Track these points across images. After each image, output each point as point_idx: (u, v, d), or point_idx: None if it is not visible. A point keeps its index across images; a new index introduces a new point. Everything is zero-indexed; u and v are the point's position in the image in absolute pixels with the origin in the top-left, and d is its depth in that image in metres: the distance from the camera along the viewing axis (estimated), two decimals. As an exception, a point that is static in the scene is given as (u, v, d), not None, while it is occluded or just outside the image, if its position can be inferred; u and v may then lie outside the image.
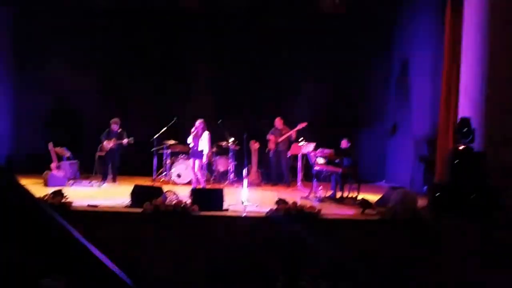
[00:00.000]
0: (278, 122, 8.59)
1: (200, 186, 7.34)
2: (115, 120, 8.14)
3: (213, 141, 8.78)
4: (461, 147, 6.04)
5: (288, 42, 9.33)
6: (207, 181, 8.58)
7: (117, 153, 8.20)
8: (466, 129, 6.05)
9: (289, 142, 8.40)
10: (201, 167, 7.60)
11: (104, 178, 8.11)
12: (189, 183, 8.19)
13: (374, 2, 8.98)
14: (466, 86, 6.59)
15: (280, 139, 8.52)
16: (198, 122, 7.52)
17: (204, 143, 7.50)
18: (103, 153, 8.32)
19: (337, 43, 9.21)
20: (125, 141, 8.08)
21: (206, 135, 7.51)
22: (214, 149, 8.77)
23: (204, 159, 7.56)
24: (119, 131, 8.15)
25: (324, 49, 9.24)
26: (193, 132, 7.51)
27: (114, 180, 8.20)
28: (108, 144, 8.09)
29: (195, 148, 7.53)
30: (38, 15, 8.95)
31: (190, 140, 7.58)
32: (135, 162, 8.66)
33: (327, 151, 7.28)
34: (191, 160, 7.70)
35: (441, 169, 6.74)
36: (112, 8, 8.96)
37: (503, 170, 5.93)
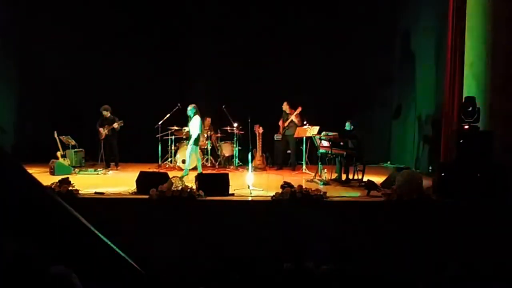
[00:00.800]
0: (285, 106, 8.58)
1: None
2: (105, 107, 8.22)
3: (218, 126, 8.79)
4: (466, 127, 6.01)
5: (290, 24, 9.22)
6: (212, 166, 8.62)
7: (113, 139, 8.27)
8: (470, 108, 6.00)
9: (296, 125, 8.40)
10: (189, 153, 7.55)
11: (107, 165, 8.17)
12: (194, 168, 8.23)
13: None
14: (472, 64, 6.50)
15: (286, 124, 8.54)
16: (192, 108, 7.49)
17: (193, 128, 7.45)
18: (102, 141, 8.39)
19: (340, 24, 9.09)
20: (115, 125, 8.13)
21: (195, 119, 7.46)
22: (219, 134, 8.77)
23: (191, 142, 7.48)
24: (110, 117, 8.23)
25: (327, 30, 9.13)
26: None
27: (116, 165, 8.25)
28: (103, 132, 8.16)
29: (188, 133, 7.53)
30: (39, 6, 8.89)
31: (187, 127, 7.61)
32: (140, 149, 8.70)
33: (331, 134, 7.27)
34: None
35: (446, 149, 6.72)
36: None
37: (509, 148, 5.90)
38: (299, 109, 8.33)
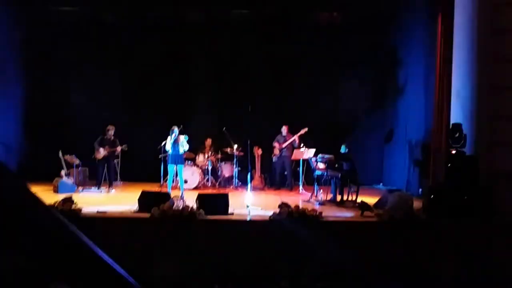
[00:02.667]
0: (284, 129, 8.89)
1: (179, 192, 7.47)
2: (110, 127, 8.27)
3: (218, 148, 9.06)
4: (453, 151, 6.32)
5: (289, 52, 9.60)
6: (213, 186, 8.85)
7: (111, 160, 8.35)
8: (457, 134, 6.33)
9: (293, 147, 8.69)
10: (176, 174, 7.75)
11: (110, 185, 8.28)
12: (195, 188, 8.43)
13: (369, 12, 9.29)
14: (458, 93, 6.88)
15: (284, 145, 8.83)
16: (177, 129, 7.68)
17: (184, 147, 7.69)
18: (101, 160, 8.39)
19: (334, 52, 9.50)
20: (118, 148, 8.24)
21: (183, 138, 7.70)
22: (219, 155, 9.03)
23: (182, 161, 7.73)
24: (112, 138, 8.26)
25: (323, 58, 9.53)
26: (172, 139, 7.66)
27: (110, 186, 8.26)
28: (103, 152, 8.18)
29: (175, 153, 7.66)
30: (48, 27, 9.23)
31: (169, 147, 7.70)
32: (143, 168, 8.90)
33: (327, 156, 7.54)
34: (172, 166, 7.74)
35: (435, 172, 7.00)
36: (120, 22, 9.27)
37: (493, 172, 6.22)
38: (305, 130, 8.54)
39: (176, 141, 7.62)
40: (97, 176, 8.36)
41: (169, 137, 7.70)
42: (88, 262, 1.50)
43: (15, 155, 9.00)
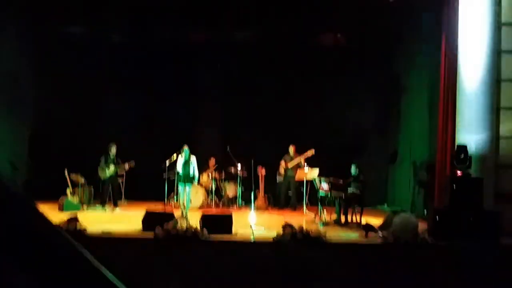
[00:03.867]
0: (292, 149, 8.92)
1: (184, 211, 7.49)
2: (113, 144, 8.37)
3: (222, 168, 9.10)
4: (458, 173, 6.31)
5: (294, 74, 9.73)
6: (216, 206, 8.84)
7: (117, 179, 8.47)
8: (463, 155, 6.33)
9: (298, 168, 8.71)
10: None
11: (114, 204, 8.33)
12: (199, 208, 8.43)
13: (374, 35, 9.44)
14: (463, 114, 6.90)
15: (290, 165, 8.85)
16: (187, 148, 7.74)
17: (194, 168, 7.76)
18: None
19: (340, 73, 9.58)
20: (126, 165, 8.34)
21: (194, 159, 7.78)
22: (223, 175, 9.07)
23: (195, 182, 7.72)
24: (114, 157, 8.36)
25: (328, 80, 9.62)
26: (184, 159, 7.71)
27: (115, 205, 8.33)
28: (109, 171, 8.26)
29: (185, 173, 7.73)
30: (56, 47, 9.47)
31: (179, 167, 7.77)
32: (147, 187, 8.94)
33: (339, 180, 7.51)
34: (183, 186, 7.82)
35: (440, 194, 6.97)
36: (127, 42, 9.50)
37: (499, 194, 6.19)
38: (312, 151, 8.56)
39: (187, 161, 7.64)
40: (102, 195, 8.45)
41: (179, 156, 7.75)
42: (95, 282, 1.53)
43: (21, 173, 9.09)
